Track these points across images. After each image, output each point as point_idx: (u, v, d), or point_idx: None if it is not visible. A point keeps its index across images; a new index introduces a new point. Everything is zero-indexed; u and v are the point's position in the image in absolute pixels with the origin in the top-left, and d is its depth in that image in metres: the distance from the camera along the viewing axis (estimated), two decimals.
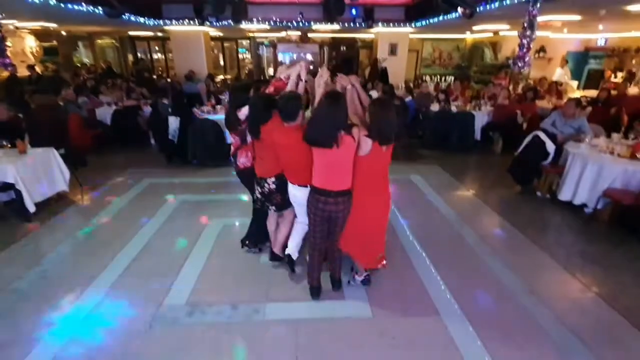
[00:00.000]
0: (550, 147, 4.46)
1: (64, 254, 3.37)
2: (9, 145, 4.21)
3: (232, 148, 3.04)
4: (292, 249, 2.94)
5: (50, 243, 3.55)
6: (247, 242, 3.33)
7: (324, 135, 2.27)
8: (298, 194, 2.64)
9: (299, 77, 2.74)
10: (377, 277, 2.98)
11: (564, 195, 4.21)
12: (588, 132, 4.61)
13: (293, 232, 2.95)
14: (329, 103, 2.29)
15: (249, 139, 2.87)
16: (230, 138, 3.08)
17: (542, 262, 3.31)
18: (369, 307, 2.67)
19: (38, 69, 10.32)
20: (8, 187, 3.89)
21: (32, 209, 3.93)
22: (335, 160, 2.35)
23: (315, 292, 2.75)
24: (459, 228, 3.90)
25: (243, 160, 2.97)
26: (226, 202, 4.47)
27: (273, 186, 2.77)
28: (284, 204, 2.85)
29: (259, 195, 2.90)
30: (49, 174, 4.30)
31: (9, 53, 4.94)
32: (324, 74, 2.66)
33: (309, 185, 2.50)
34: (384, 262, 2.89)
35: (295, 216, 2.94)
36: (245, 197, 4.24)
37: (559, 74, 10.47)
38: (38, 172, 4.12)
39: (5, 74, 8.94)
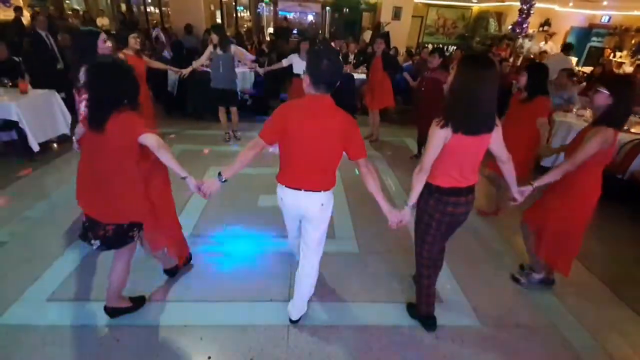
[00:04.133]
0: None
1: (71, 190, 3.47)
2: (11, 84, 4.24)
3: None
4: (300, 304, 2.18)
5: (56, 180, 3.71)
6: None
7: (486, 118, 1.71)
8: (308, 203, 1.88)
9: None
10: (365, 221, 3.25)
11: (546, 161, 4.45)
12: (576, 103, 4.79)
13: (304, 279, 2.10)
14: (484, 73, 1.66)
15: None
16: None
17: (516, 218, 3.57)
18: (356, 244, 2.98)
19: (27, 13, 9.93)
20: (10, 125, 3.99)
21: (36, 148, 4.04)
22: (481, 148, 1.80)
23: (433, 323, 2.20)
24: None
25: None
26: (225, 152, 4.64)
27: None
28: (115, 241, 1.93)
29: (83, 218, 1.93)
30: (50, 115, 4.37)
31: None
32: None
33: (322, 191, 1.87)
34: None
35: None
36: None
37: (549, 46, 10.43)
38: (40, 113, 4.19)
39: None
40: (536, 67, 3.06)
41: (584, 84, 7.05)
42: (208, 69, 6.00)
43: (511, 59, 8.87)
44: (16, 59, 5.15)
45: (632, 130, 4.08)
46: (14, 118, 3.85)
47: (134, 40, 3.68)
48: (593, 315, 2.41)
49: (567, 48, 6.91)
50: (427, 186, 1.89)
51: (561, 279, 2.65)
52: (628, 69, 9.09)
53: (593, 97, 2.09)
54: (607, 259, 3.06)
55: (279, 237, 2.98)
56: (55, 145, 4.54)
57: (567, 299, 2.53)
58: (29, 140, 3.98)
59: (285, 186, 1.88)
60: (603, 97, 2.02)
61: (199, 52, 7.47)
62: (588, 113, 4.48)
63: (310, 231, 1.99)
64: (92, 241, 1.88)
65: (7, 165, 3.95)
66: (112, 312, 2.11)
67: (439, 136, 1.72)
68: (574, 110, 4.57)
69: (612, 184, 3.81)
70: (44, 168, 3.96)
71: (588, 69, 9.25)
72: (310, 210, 1.90)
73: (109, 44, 2.60)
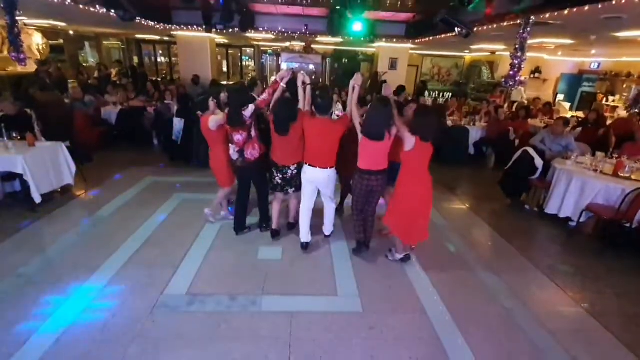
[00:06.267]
0: (539, 162, 4.68)
1: (69, 243, 3.49)
2: (19, 138, 4.36)
3: (236, 145, 3.32)
4: (329, 226, 3.71)
5: (55, 232, 3.67)
6: (264, 225, 3.85)
7: (379, 131, 2.96)
8: (320, 175, 3.26)
9: (304, 82, 3.30)
10: (368, 277, 3.15)
11: (551, 208, 4.41)
12: (575, 150, 4.84)
13: (328, 210, 3.62)
14: (381, 107, 2.96)
15: (253, 133, 3.32)
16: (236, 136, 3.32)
17: (526, 269, 3.48)
18: (360, 302, 2.82)
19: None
20: (14, 177, 4.04)
21: (38, 199, 4.05)
22: (380, 148, 3.05)
23: (358, 249, 3.49)
24: (449, 236, 4.07)
25: (251, 152, 3.34)
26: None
27: (295, 171, 3.39)
28: (301, 184, 3.46)
29: (279, 181, 3.45)
30: (56, 167, 4.43)
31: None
32: (357, 78, 3.21)
33: (328, 168, 3.25)
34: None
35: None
36: None
37: (515, 93, 10.79)
38: (46, 165, 4.26)
39: (12, 68, 9.18)
40: (423, 108, 3.49)
41: (579, 129, 7.20)
42: None
43: (505, 105, 9.16)
44: (28, 111, 5.36)
45: (633, 177, 4.07)
46: (19, 171, 3.91)
47: (213, 104, 3.67)
48: None
49: None
50: (356, 168, 3.17)
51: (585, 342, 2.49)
52: (622, 112, 9.34)
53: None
54: (620, 313, 2.90)
55: (278, 295, 2.87)
56: (59, 193, 4.56)
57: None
58: (31, 192, 4.00)
59: (308, 164, 3.26)
60: (411, 110, 3.46)
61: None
62: (588, 160, 4.52)
63: (324, 190, 3.44)
64: (289, 189, 3.50)
65: (8, 216, 3.93)
66: (294, 225, 3.79)
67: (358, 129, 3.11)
68: (573, 157, 4.59)
69: (621, 232, 3.76)
70: (45, 219, 3.94)
71: (582, 114, 9.50)
72: (322, 179, 3.30)
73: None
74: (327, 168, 3.24)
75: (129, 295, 2.78)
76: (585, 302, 3.01)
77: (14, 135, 4.35)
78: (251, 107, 3.20)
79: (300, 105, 3.32)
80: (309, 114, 3.26)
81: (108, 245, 3.44)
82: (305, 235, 3.52)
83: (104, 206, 4.31)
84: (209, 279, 3.03)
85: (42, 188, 4.15)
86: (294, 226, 3.85)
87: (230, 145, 3.41)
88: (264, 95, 3.30)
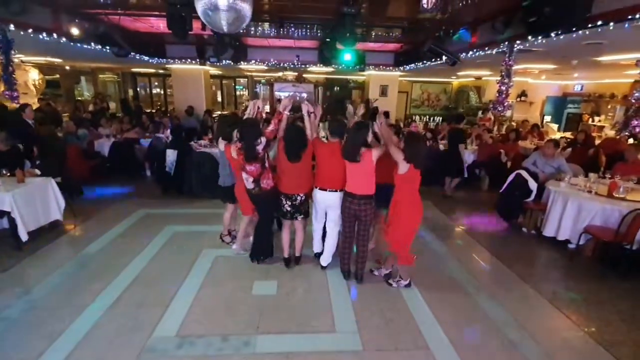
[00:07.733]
0: (533, 185, 4.68)
1: (55, 283, 3.34)
2: (8, 174, 4.28)
3: (251, 176, 3.34)
4: (327, 257, 3.65)
5: (41, 272, 3.52)
6: (261, 257, 3.77)
7: (352, 152, 3.11)
8: (330, 197, 3.35)
9: (309, 112, 3.42)
10: (367, 310, 3.03)
11: (548, 231, 4.37)
12: (567, 172, 4.87)
13: (329, 240, 3.59)
14: (355, 129, 3.13)
15: (267, 164, 3.38)
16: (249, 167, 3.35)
17: (529, 296, 3.38)
18: (360, 340, 2.68)
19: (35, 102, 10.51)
20: (1, 214, 3.92)
21: (24, 238, 3.92)
22: (358, 171, 3.16)
23: (347, 275, 3.51)
24: (448, 263, 3.98)
25: (266, 181, 3.38)
26: (219, 233, 4.51)
27: (303, 198, 3.49)
28: (309, 211, 3.63)
29: (288, 208, 3.50)
30: (44, 203, 4.33)
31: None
32: (349, 109, 3.65)
33: (338, 190, 3.31)
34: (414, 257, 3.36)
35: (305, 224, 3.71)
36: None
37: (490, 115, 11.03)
38: (34, 201, 4.16)
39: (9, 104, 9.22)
40: (412, 136, 3.35)
41: (569, 149, 7.31)
42: (206, 150, 6.21)
43: (495, 128, 9.33)
44: (20, 146, 5.31)
45: (628, 197, 4.07)
46: (7, 208, 3.80)
47: (235, 134, 3.64)
48: None
49: None
50: (344, 190, 3.29)
51: None
52: (609, 132, 9.54)
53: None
54: (630, 342, 2.79)
55: (274, 334, 2.73)
56: (46, 229, 4.42)
57: None
58: (18, 230, 3.88)
59: (319, 188, 3.38)
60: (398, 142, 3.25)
61: (197, 133, 7.84)
62: (581, 181, 4.53)
63: (331, 214, 3.48)
64: (298, 216, 3.54)
65: None
66: (300, 258, 3.78)
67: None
68: (566, 179, 4.61)
69: (621, 254, 3.71)
70: (30, 258, 3.79)
71: (569, 134, 9.69)
72: (331, 201, 3.38)
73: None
74: (336, 190, 3.32)
75: (115, 339, 2.62)
76: (593, 330, 2.90)
77: (4, 172, 4.28)
78: (263, 140, 3.25)
79: (308, 133, 3.41)
80: (318, 139, 3.43)
81: (96, 284, 3.30)
82: (317, 246, 3.79)
83: (93, 242, 4.18)
84: (201, 318, 2.89)
85: (30, 225, 4.04)
86: (299, 259, 3.78)
87: (244, 174, 3.41)
88: (271, 127, 3.36)
